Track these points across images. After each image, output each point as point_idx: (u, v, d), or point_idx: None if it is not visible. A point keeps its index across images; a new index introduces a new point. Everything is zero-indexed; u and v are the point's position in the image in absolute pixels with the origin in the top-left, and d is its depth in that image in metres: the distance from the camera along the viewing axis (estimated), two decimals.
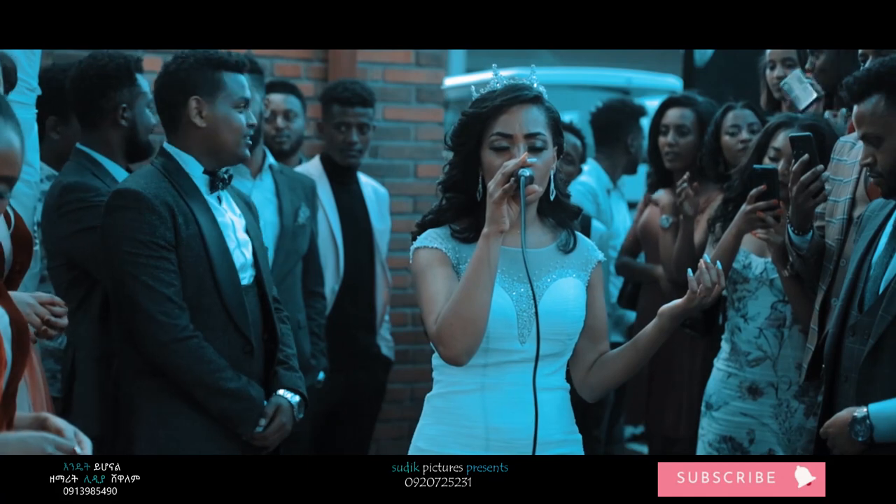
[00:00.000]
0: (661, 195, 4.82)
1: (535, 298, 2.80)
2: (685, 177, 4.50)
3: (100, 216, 3.47)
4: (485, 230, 2.74)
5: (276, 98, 5.02)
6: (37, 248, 3.76)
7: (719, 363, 4.09)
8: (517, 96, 2.86)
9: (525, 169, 2.73)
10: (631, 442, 6.64)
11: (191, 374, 3.34)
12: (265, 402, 3.46)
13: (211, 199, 3.47)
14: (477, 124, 2.87)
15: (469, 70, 12.00)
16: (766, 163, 3.89)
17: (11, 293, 2.65)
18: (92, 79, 3.83)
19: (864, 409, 2.98)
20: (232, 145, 3.46)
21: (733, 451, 3.97)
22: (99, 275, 3.62)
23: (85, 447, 2.26)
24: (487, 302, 2.74)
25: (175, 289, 3.33)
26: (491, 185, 2.75)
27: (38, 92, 3.69)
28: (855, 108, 3.15)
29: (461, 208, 2.92)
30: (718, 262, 2.89)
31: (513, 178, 2.72)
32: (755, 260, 3.97)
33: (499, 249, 2.74)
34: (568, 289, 2.90)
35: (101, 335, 3.65)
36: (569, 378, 2.98)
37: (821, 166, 3.54)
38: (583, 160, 5.34)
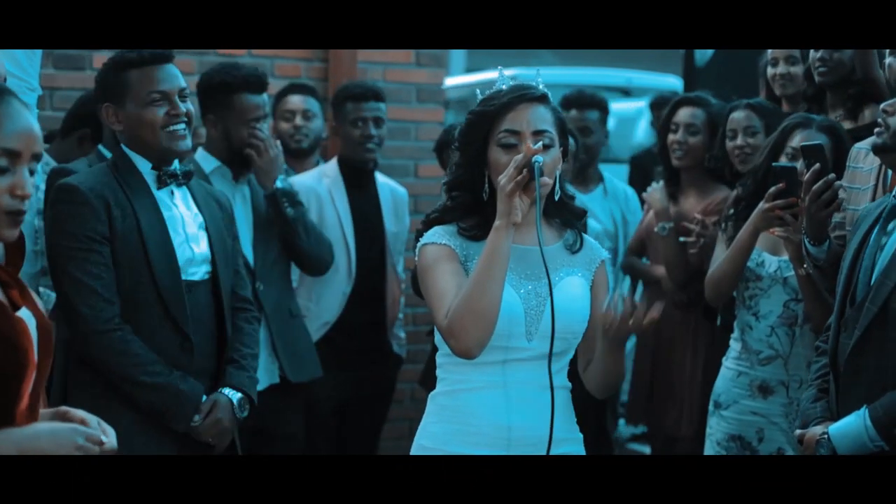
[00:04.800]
0: (653, 194, 4.81)
1: (551, 291, 2.80)
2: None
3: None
4: (496, 223, 2.75)
5: (295, 98, 5.16)
6: (38, 247, 3.78)
7: (728, 362, 4.07)
8: (524, 94, 2.88)
9: (538, 157, 2.75)
10: (631, 442, 6.63)
11: (113, 366, 3.38)
12: (204, 398, 3.47)
13: (160, 195, 3.49)
14: (484, 123, 2.88)
15: (469, 70, 12.01)
16: (783, 161, 3.87)
17: None
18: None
19: (826, 431, 2.97)
20: (153, 141, 3.47)
21: (742, 451, 3.96)
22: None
23: (109, 436, 2.29)
24: (499, 295, 2.75)
25: (103, 282, 3.37)
26: (502, 178, 2.76)
27: (39, 92, 3.70)
28: None
29: (467, 207, 2.93)
30: (618, 293, 2.86)
31: (525, 170, 2.74)
32: (768, 258, 3.97)
33: (510, 242, 2.75)
34: (575, 287, 2.91)
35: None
36: (571, 377, 2.98)
37: (833, 175, 3.53)
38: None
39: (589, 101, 5.55)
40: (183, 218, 3.51)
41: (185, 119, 3.49)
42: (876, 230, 3.06)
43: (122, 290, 3.40)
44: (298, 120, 5.19)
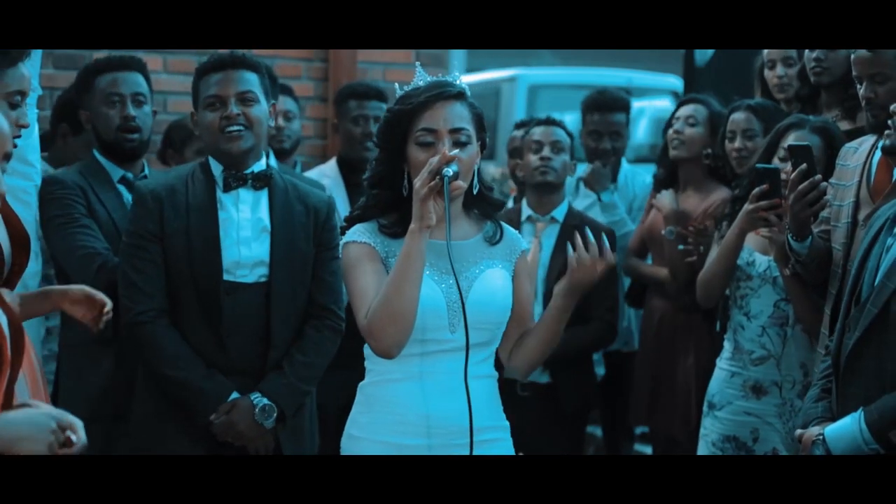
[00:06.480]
0: (662, 198, 4.80)
1: (460, 291, 2.86)
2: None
3: (60, 207, 3.73)
4: (411, 226, 2.80)
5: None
6: (36, 248, 3.78)
7: (722, 363, 4.08)
8: (441, 92, 2.94)
9: (449, 168, 2.78)
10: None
11: (144, 357, 3.52)
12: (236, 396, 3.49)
13: (224, 197, 3.54)
14: (402, 120, 2.93)
15: (469, 70, 12.00)
16: (776, 163, 3.88)
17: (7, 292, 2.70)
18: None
19: (822, 432, 2.96)
20: (213, 144, 3.56)
21: (737, 451, 3.96)
22: (58, 261, 3.81)
23: (78, 430, 2.29)
24: (416, 296, 2.80)
25: (145, 276, 3.47)
26: (417, 182, 2.80)
27: (39, 92, 3.70)
28: None
29: (387, 204, 2.97)
30: (605, 236, 2.96)
31: (438, 176, 2.77)
32: (759, 258, 3.97)
33: (425, 245, 2.80)
34: (495, 279, 2.97)
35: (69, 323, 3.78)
36: (497, 366, 3.03)
37: (819, 176, 3.54)
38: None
39: (613, 104, 5.45)
40: (239, 221, 3.53)
41: (243, 121, 3.51)
42: (884, 231, 3.07)
43: (170, 287, 3.49)
44: (280, 121, 5.15)
